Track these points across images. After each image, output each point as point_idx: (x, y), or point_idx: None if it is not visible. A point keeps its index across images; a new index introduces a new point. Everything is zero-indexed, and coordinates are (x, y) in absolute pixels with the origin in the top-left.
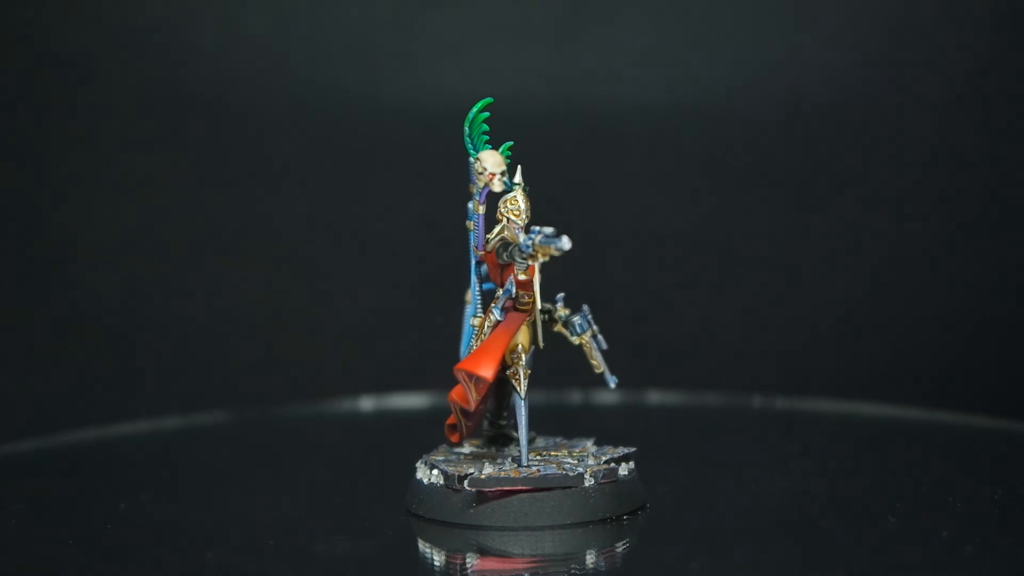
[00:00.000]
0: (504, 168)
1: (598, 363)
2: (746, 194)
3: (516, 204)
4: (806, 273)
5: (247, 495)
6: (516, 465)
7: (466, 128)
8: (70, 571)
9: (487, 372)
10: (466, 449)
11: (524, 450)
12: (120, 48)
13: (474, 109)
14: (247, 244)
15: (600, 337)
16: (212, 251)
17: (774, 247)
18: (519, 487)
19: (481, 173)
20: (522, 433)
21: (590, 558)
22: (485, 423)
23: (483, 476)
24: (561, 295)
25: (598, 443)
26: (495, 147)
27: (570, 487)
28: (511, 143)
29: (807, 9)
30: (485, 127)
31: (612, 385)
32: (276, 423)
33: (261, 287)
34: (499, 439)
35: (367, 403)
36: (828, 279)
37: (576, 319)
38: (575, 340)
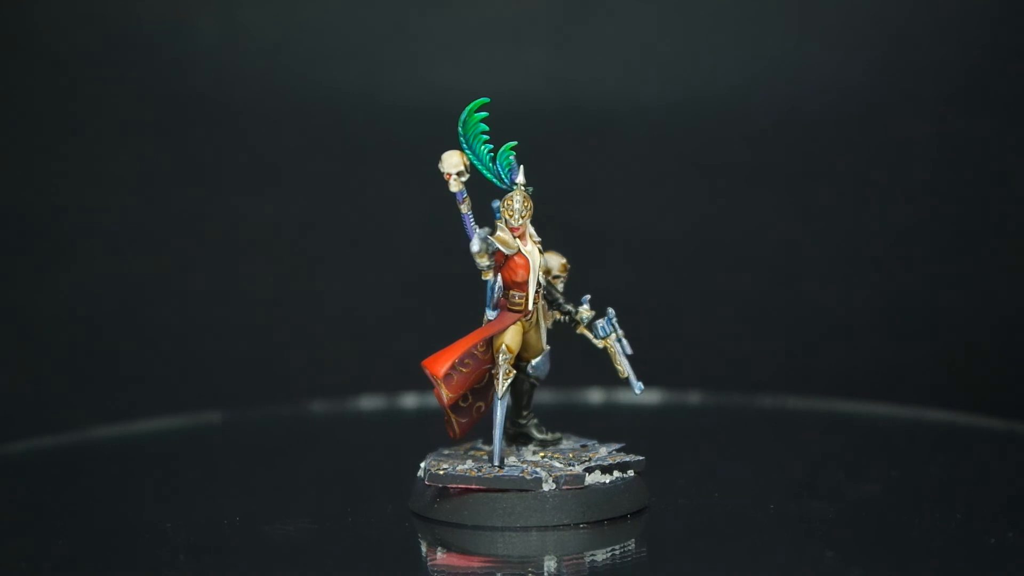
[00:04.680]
0: (461, 168)
1: (623, 368)
2: (746, 194)
3: (511, 204)
4: (806, 273)
5: (244, 495)
6: (494, 464)
7: (460, 128)
8: (69, 571)
9: (438, 369)
10: (488, 447)
11: (496, 450)
12: (120, 48)
13: (467, 109)
14: (245, 243)
15: (625, 341)
16: (210, 251)
17: (774, 247)
18: (473, 486)
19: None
20: (496, 433)
21: (551, 564)
22: (508, 422)
23: (441, 472)
24: (587, 297)
25: (626, 449)
26: (496, 147)
27: (526, 490)
28: (515, 143)
29: (807, 9)
30: (483, 127)
31: (638, 391)
32: (274, 423)
33: (259, 286)
34: (520, 438)
35: (366, 403)
36: (828, 279)
37: (599, 322)
38: (599, 343)
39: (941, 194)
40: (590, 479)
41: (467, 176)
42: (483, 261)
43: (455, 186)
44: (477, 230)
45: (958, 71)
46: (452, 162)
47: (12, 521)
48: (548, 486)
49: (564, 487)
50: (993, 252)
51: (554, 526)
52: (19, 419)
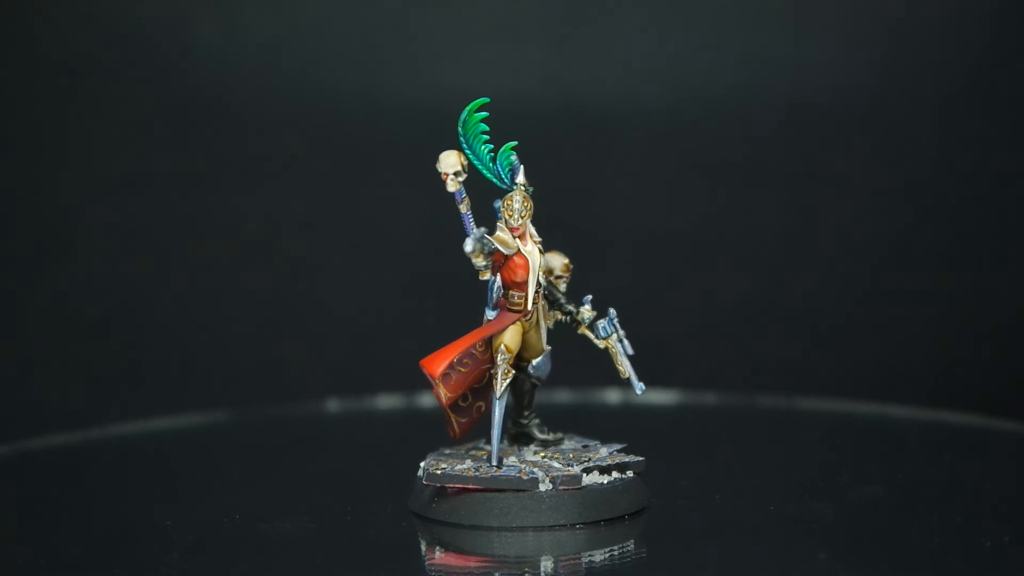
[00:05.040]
0: (458, 168)
1: (624, 369)
2: (746, 194)
3: (510, 204)
4: (806, 273)
5: (245, 495)
6: (492, 464)
7: (460, 128)
8: (70, 571)
9: (435, 369)
10: (490, 447)
11: (494, 449)
12: (120, 48)
13: (467, 109)
14: (246, 244)
15: (626, 342)
16: (211, 251)
17: (774, 247)
18: (470, 486)
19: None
20: (494, 433)
21: (547, 564)
22: (510, 422)
23: (438, 472)
24: (588, 297)
25: (627, 450)
26: (497, 147)
27: (522, 490)
28: (515, 143)
29: (807, 9)
30: (483, 127)
31: (639, 392)
32: (275, 423)
33: (261, 287)
34: (522, 438)
35: (368, 403)
36: (828, 279)
37: (601, 323)
38: (600, 344)
39: (941, 194)
40: (588, 480)
41: (464, 176)
42: (479, 261)
43: (452, 186)
44: (473, 230)
45: (958, 71)
46: (449, 162)
47: (12, 521)
48: (544, 486)
49: (561, 487)
50: (993, 252)
51: (550, 526)
52: (19, 419)
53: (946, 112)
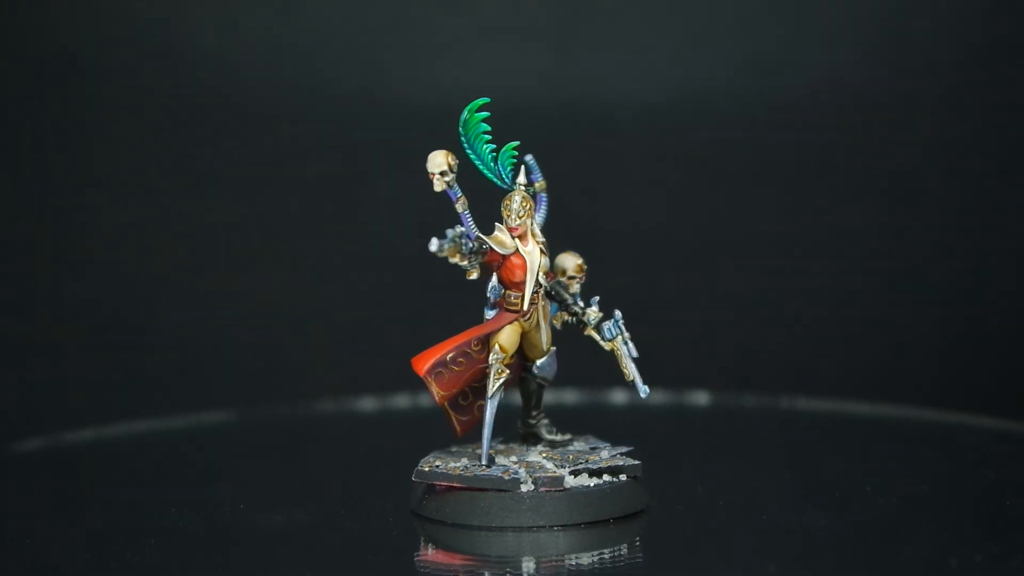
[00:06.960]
0: (445, 168)
1: (628, 371)
2: (746, 194)
3: (509, 204)
4: (805, 273)
5: (246, 495)
6: (482, 463)
7: (460, 129)
8: (70, 571)
9: (420, 367)
10: (502, 446)
11: (485, 448)
12: (120, 48)
13: (467, 110)
14: (246, 243)
15: (631, 344)
16: (212, 251)
17: (774, 247)
18: (455, 484)
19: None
20: (485, 433)
21: (529, 565)
22: (519, 422)
23: (427, 469)
24: (596, 298)
25: (632, 453)
26: (498, 147)
27: (503, 491)
28: (516, 143)
29: (806, 9)
30: (484, 127)
31: (643, 395)
32: (276, 423)
33: (260, 286)
34: (530, 437)
35: (367, 403)
36: (827, 279)
37: (606, 324)
38: (606, 346)
39: (940, 193)
40: (575, 482)
41: (451, 176)
42: (460, 262)
43: (438, 186)
44: (449, 230)
45: (959, 70)
46: (436, 162)
47: (12, 521)
48: (526, 487)
49: (542, 489)
50: (994, 251)
51: (529, 527)
52: (20, 419)
53: (946, 111)
